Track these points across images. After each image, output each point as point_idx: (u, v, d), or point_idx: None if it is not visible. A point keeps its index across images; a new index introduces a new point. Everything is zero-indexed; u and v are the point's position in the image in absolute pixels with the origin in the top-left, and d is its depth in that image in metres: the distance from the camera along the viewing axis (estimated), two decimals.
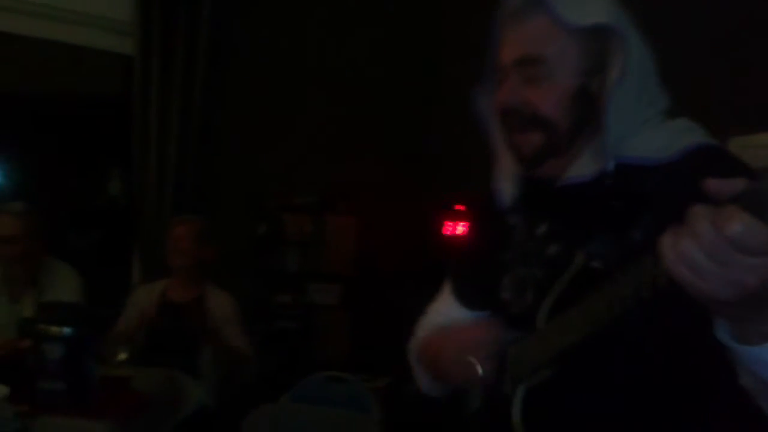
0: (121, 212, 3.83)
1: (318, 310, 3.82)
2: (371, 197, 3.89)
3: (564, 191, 1.12)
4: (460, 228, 3.48)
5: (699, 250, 0.68)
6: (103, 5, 3.57)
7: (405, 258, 3.86)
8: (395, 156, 4.02)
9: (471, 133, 1.29)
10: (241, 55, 3.75)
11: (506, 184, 1.23)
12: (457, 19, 3.87)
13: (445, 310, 1.37)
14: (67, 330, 2.02)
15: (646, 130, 1.07)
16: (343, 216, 3.86)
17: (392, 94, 4.05)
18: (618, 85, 1.05)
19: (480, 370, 1.12)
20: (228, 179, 3.73)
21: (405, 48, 4.11)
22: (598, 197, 1.07)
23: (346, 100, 4.00)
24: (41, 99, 4.07)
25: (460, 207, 3.60)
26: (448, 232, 3.59)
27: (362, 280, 3.83)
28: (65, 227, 3.19)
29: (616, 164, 1.06)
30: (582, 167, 1.10)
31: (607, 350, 1.00)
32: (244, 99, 3.79)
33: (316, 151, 3.93)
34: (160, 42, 3.50)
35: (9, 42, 3.81)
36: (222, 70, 3.65)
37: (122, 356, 2.44)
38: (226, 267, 3.14)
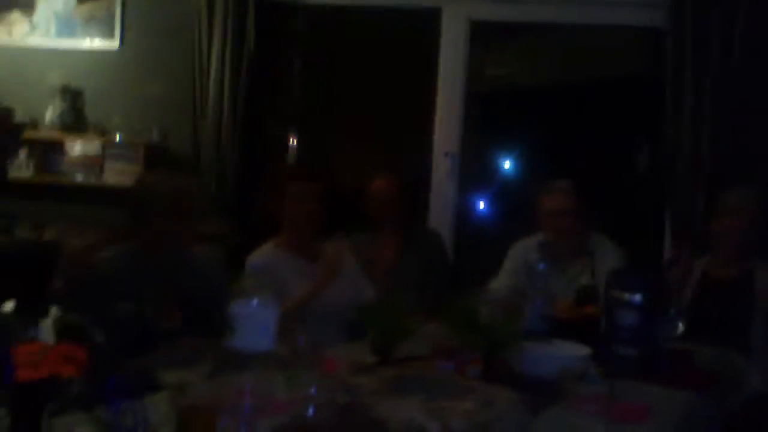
0: (651, 185, 3.84)
1: None
2: None
3: None
4: None
5: None
6: None
7: None
8: None
9: None
10: None
11: None
12: None
13: None
14: (638, 297, 2.07)
15: None
16: None
17: None
18: None
19: None
20: None
21: None
22: None
23: None
24: (572, 83, 4.29)
25: None
26: None
27: None
28: (596, 202, 3.32)
29: None
30: None
31: None
32: None
33: None
34: (692, 10, 3.39)
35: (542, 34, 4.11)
36: None
37: (680, 330, 2.41)
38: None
